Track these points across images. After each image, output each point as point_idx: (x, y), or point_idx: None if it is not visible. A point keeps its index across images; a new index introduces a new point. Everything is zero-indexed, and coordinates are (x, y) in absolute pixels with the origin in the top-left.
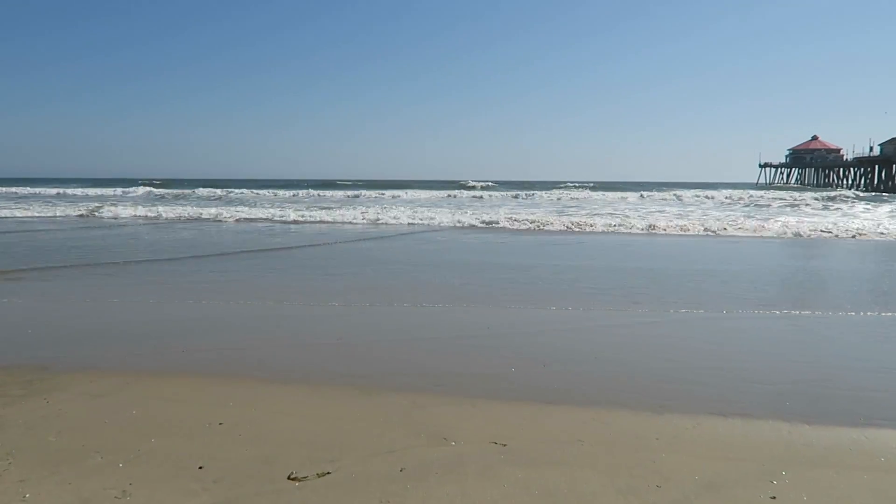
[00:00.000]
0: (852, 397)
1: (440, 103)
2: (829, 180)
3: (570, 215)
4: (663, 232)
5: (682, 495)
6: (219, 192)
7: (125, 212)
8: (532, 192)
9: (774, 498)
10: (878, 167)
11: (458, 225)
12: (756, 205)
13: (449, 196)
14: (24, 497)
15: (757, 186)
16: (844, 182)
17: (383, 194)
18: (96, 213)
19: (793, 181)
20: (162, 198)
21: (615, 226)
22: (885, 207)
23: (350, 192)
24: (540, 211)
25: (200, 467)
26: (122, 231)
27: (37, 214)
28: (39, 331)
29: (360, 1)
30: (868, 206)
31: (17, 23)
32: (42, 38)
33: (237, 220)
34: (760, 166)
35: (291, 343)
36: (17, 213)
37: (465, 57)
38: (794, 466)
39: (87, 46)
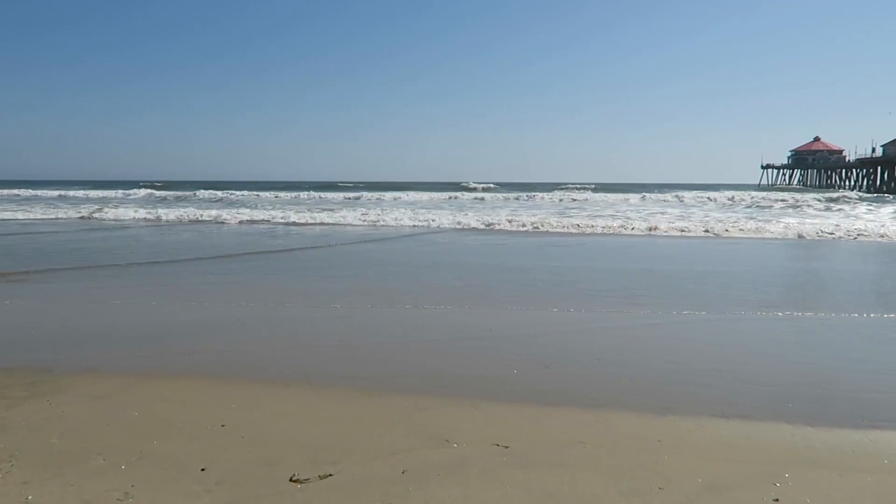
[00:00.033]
0: (855, 399)
1: (441, 105)
2: (831, 181)
3: (572, 217)
4: (665, 233)
5: (684, 497)
6: (219, 193)
7: (126, 214)
8: (533, 193)
9: (777, 500)
10: (881, 168)
11: (458, 227)
12: (758, 206)
13: (450, 198)
14: (27, 499)
15: (759, 188)
16: (847, 183)
17: (384, 196)
18: (98, 216)
19: (795, 182)
20: (163, 199)
21: (616, 227)
22: (888, 208)
23: (351, 194)
24: (541, 212)
25: (202, 469)
26: (124, 233)
27: (39, 217)
28: (42, 333)
29: (360, 3)
30: (871, 208)
31: (17, 24)
32: (42, 40)
33: (238, 223)
34: (762, 167)
35: (293, 345)
36: (20, 216)
37: (465, 58)
38: (797, 468)
39: (87, 48)
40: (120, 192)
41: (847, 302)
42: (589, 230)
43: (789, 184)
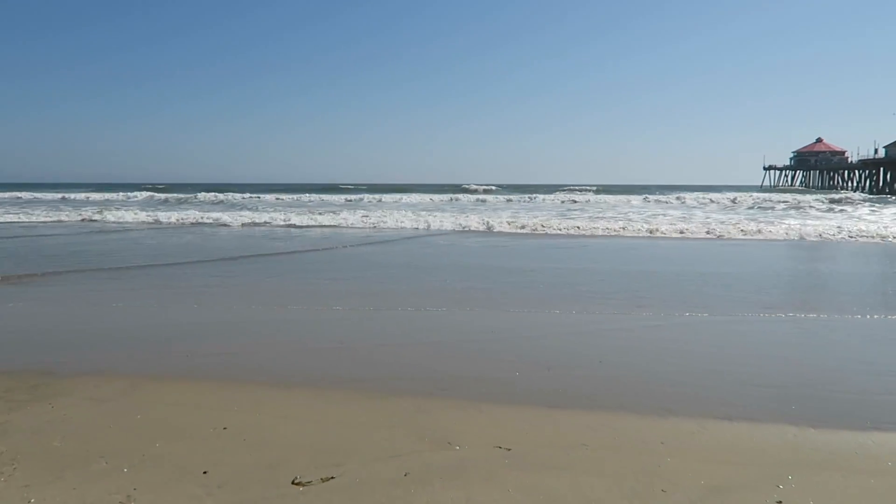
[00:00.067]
0: (858, 401)
1: (442, 106)
2: (833, 183)
3: (574, 219)
4: (667, 235)
5: (687, 500)
6: (220, 196)
7: (128, 216)
8: (535, 195)
9: (780, 502)
10: (884, 169)
11: (460, 229)
12: (760, 207)
13: (451, 199)
14: (29, 502)
15: (761, 189)
16: (849, 184)
17: (385, 198)
18: (99, 218)
19: (797, 184)
20: (165, 201)
21: (618, 229)
22: (891, 209)
23: (352, 196)
24: (543, 214)
25: (205, 472)
26: (126, 236)
27: (41, 220)
28: (44, 335)
29: (361, 5)
30: (874, 209)
31: (18, 27)
32: (43, 43)
33: (240, 225)
34: (765, 169)
35: (295, 347)
36: (23, 218)
37: (467, 59)
38: (801, 470)
39: (88, 51)
40: (121, 194)
41: (850, 303)
42: (591, 232)
43: (791, 185)
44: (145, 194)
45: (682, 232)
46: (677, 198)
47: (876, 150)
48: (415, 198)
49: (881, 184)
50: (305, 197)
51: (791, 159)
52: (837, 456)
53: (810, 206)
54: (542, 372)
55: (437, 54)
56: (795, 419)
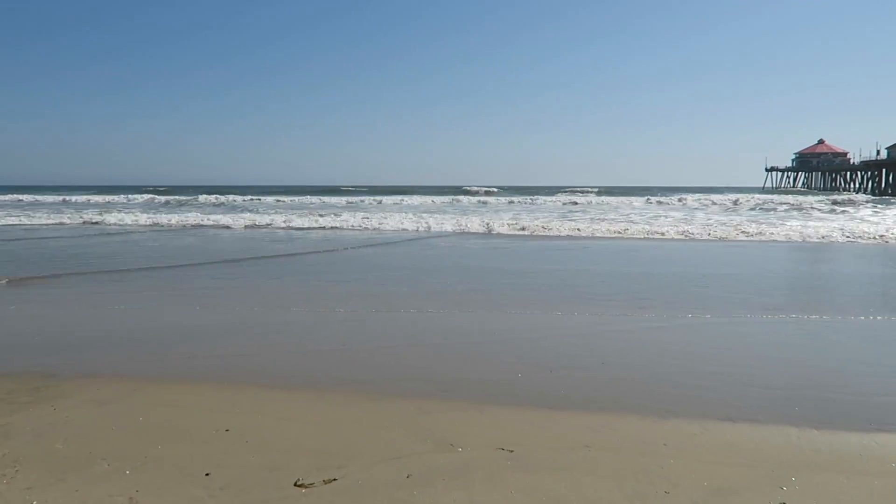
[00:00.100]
0: (862, 402)
1: (443, 108)
2: (835, 184)
3: (575, 220)
4: (669, 237)
5: (690, 501)
6: (221, 198)
7: (130, 219)
8: (536, 196)
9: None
10: (886, 171)
11: (461, 230)
12: (762, 208)
13: (452, 201)
14: None
15: (763, 190)
16: (851, 186)
17: (386, 200)
18: (101, 221)
19: (799, 185)
20: (166, 204)
21: (620, 231)
22: (894, 211)
23: (353, 198)
24: (544, 216)
25: (207, 474)
26: (127, 238)
27: (43, 222)
28: (46, 338)
29: (363, 7)
30: (876, 210)
31: (19, 30)
32: (45, 46)
33: (241, 227)
34: (767, 170)
35: (297, 349)
36: (24, 221)
37: (469, 61)
38: (804, 472)
39: (90, 54)
40: (123, 196)
41: (853, 305)
42: (592, 233)
43: (793, 187)
44: (146, 196)
45: (683, 234)
46: (679, 199)
47: (878, 152)
48: (415, 199)
49: (883, 185)
50: (306, 199)
51: (793, 161)
52: (840, 457)
53: (812, 208)
54: (544, 373)
55: (437, 56)
56: (798, 420)
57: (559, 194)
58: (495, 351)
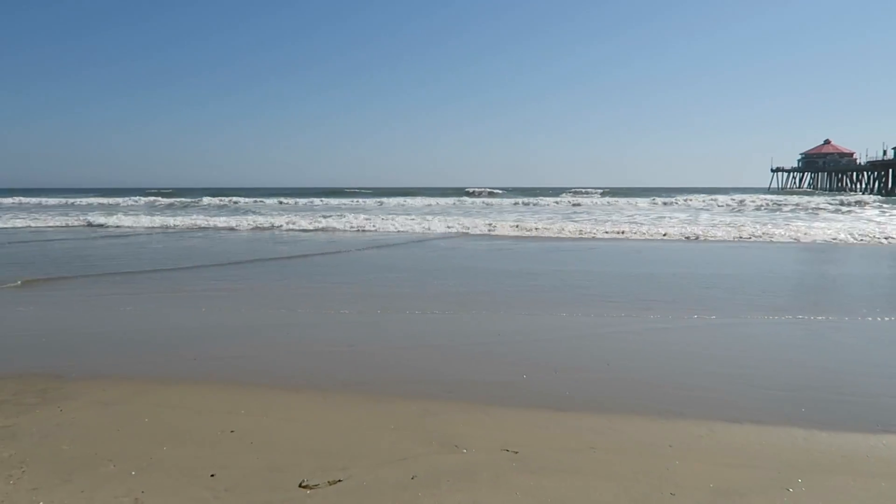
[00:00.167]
0: (868, 404)
1: (447, 109)
2: (841, 184)
3: (580, 221)
4: (673, 238)
5: (696, 503)
6: (226, 200)
7: (135, 221)
8: (541, 197)
9: None
10: (892, 171)
11: (465, 232)
12: (768, 209)
13: (456, 203)
14: None
15: (769, 191)
16: (858, 186)
17: (390, 201)
18: (106, 223)
19: (805, 185)
20: (171, 206)
21: (625, 232)
22: None
23: (357, 200)
24: (549, 217)
25: (212, 475)
26: (132, 240)
27: (49, 224)
28: (53, 339)
29: (365, 10)
30: (883, 210)
31: (21, 34)
32: (46, 49)
33: (246, 229)
34: (772, 171)
35: (302, 350)
36: (30, 223)
37: (472, 62)
38: (811, 474)
39: (93, 57)
40: (126, 199)
41: (859, 305)
42: (597, 235)
43: (799, 187)
44: (151, 199)
45: (688, 235)
46: (685, 200)
47: (885, 152)
48: (419, 201)
49: (890, 185)
50: (310, 201)
51: (799, 161)
52: (848, 459)
53: (818, 208)
54: (549, 374)
55: (441, 57)
56: (805, 422)
57: (563, 195)
58: (500, 352)
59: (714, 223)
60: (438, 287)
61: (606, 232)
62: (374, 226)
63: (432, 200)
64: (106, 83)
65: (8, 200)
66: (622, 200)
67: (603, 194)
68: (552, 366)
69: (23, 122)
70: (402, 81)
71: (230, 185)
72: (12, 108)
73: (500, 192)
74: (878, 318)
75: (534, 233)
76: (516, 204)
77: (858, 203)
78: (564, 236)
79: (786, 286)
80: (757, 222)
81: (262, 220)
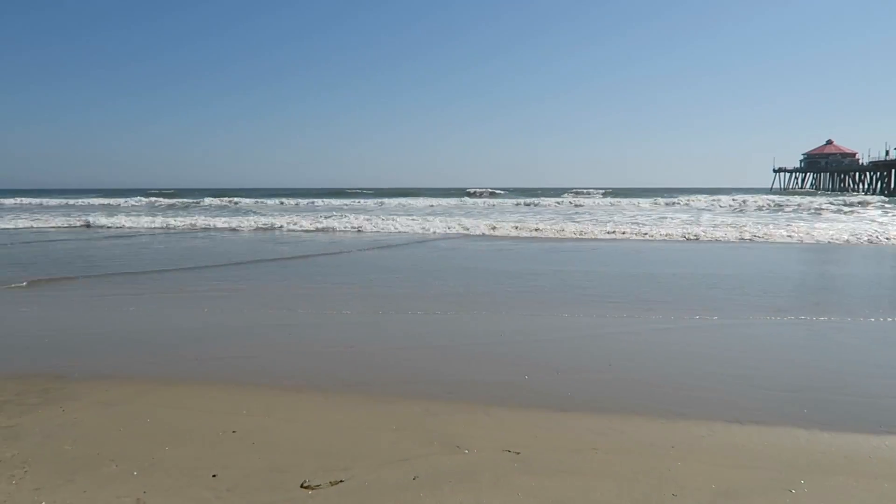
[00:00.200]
0: (871, 404)
1: (449, 110)
2: (844, 185)
3: (582, 222)
4: (676, 238)
5: None
6: (227, 200)
7: (136, 222)
8: (543, 198)
9: None
10: (895, 171)
11: (466, 232)
12: (770, 210)
13: (457, 204)
14: None
15: (771, 191)
16: (860, 186)
17: (392, 202)
18: (108, 224)
19: (807, 186)
20: (172, 206)
21: (626, 232)
22: None
23: (359, 200)
24: (551, 217)
25: (214, 476)
26: (134, 241)
27: (52, 225)
28: (55, 340)
29: (368, 11)
30: (886, 210)
31: (23, 35)
32: (48, 51)
33: (247, 230)
34: (775, 171)
35: (303, 351)
36: (33, 224)
37: (475, 63)
38: (813, 475)
39: (94, 58)
40: (128, 199)
41: (862, 306)
42: (598, 235)
43: (802, 187)
44: (152, 199)
45: (690, 235)
46: (686, 202)
47: (887, 152)
48: (421, 202)
49: (892, 186)
50: (311, 201)
51: (801, 161)
52: (850, 460)
53: (821, 208)
54: (551, 375)
55: (442, 58)
56: (807, 423)
57: (565, 195)
58: (501, 352)
59: (716, 223)
60: (439, 287)
61: (608, 232)
62: (374, 226)
63: (434, 201)
64: (107, 84)
65: (10, 201)
66: (624, 201)
67: (604, 195)
68: (554, 366)
69: (24, 123)
70: (403, 82)
71: (231, 185)
72: (13, 108)
73: (502, 192)
74: (881, 319)
75: (535, 233)
76: (518, 204)
77: (861, 203)
78: (566, 237)
79: (788, 287)
80: (759, 223)
81: (263, 221)
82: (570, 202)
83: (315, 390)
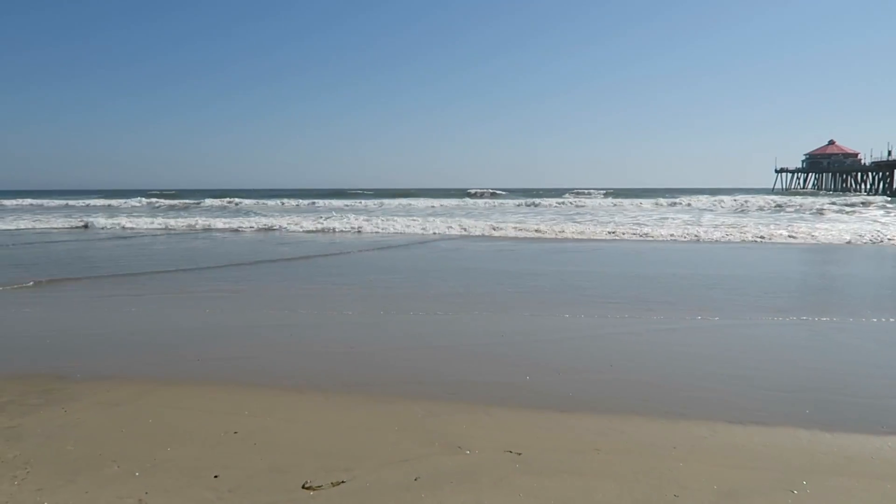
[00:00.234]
0: (872, 405)
1: (449, 111)
2: (846, 185)
3: (582, 223)
4: (676, 238)
5: None
6: (228, 201)
7: (137, 223)
8: (544, 199)
9: None
10: None
11: (467, 233)
12: (772, 210)
13: (458, 204)
14: None
15: (773, 191)
16: (862, 187)
17: (392, 203)
18: (108, 225)
19: (809, 186)
20: (172, 207)
21: (627, 233)
22: None
23: (359, 201)
24: (552, 218)
25: (215, 476)
26: (134, 242)
27: (53, 226)
28: (57, 340)
29: (368, 12)
30: (888, 210)
31: (24, 36)
32: (49, 51)
33: (248, 230)
34: (776, 171)
35: (305, 352)
36: (34, 225)
37: (475, 64)
38: (815, 475)
39: (94, 59)
40: (128, 200)
41: (863, 307)
42: (599, 236)
43: (804, 188)
44: (153, 200)
45: (691, 236)
46: (688, 203)
47: (890, 152)
48: (422, 202)
49: (895, 186)
50: (312, 202)
51: (803, 162)
52: (852, 461)
53: (823, 209)
54: (552, 375)
55: (442, 59)
56: (808, 423)
57: (566, 196)
58: (502, 353)
59: (717, 224)
60: (440, 288)
61: (609, 233)
62: (375, 227)
63: (435, 202)
64: (108, 85)
65: (10, 202)
66: (626, 202)
67: (605, 195)
68: (555, 367)
69: (24, 123)
70: (403, 82)
71: (232, 186)
72: (14, 108)
73: (502, 192)
74: (883, 319)
75: (536, 234)
76: (519, 205)
77: (863, 204)
78: (567, 237)
79: (789, 287)
80: (760, 223)
81: (264, 222)
82: (572, 202)
83: (316, 391)
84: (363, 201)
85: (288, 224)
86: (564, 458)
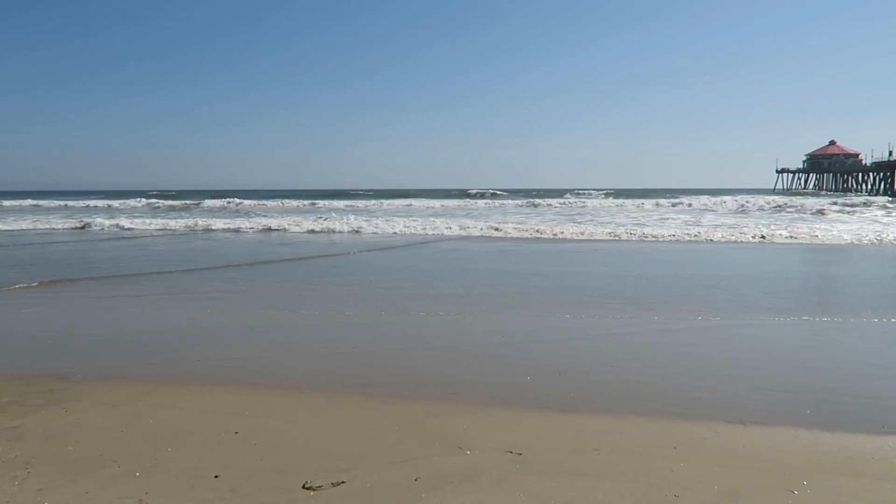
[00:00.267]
0: (873, 405)
1: (449, 110)
2: (847, 185)
3: (582, 223)
4: (677, 238)
5: None
6: (228, 202)
7: (138, 223)
8: (545, 199)
9: None
10: None
11: (467, 234)
12: (773, 210)
13: (459, 205)
14: None
15: (774, 192)
16: (863, 187)
17: (393, 203)
18: (108, 225)
19: (810, 186)
20: (173, 208)
21: (629, 233)
22: None
23: (359, 202)
24: (553, 218)
25: (216, 476)
26: (135, 242)
27: (54, 227)
28: (58, 341)
29: (370, 11)
30: (889, 211)
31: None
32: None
33: (247, 231)
34: (777, 172)
35: (305, 352)
36: (35, 226)
37: (474, 64)
38: (816, 475)
39: (95, 60)
40: (129, 201)
41: (863, 307)
42: (600, 236)
43: (804, 188)
44: (153, 201)
45: (695, 236)
46: (689, 203)
47: (891, 153)
48: (422, 203)
49: None
50: (312, 202)
51: (804, 162)
52: (853, 461)
53: (824, 210)
54: (553, 376)
55: (442, 59)
56: (809, 423)
57: (566, 196)
58: (503, 353)
59: (718, 224)
60: (441, 288)
61: (610, 233)
62: (375, 227)
63: (435, 202)
64: (108, 85)
65: (10, 203)
66: (627, 202)
67: (606, 195)
68: (556, 367)
69: (24, 123)
70: (403, 82)
71: (232, 186)
72: (14, 109)
73: (503, 193)
74: (883, 320)
75: (537, 234)
76: (520, 206)
77: (864, 204)
78: (568, 237)
79: (790, 287)
80: (761, 223)
81: (264, 222)
82: (573, 203)
83: (317, 391)
84: (364, 202)
85: (288, 224)
86: (565, 458)
